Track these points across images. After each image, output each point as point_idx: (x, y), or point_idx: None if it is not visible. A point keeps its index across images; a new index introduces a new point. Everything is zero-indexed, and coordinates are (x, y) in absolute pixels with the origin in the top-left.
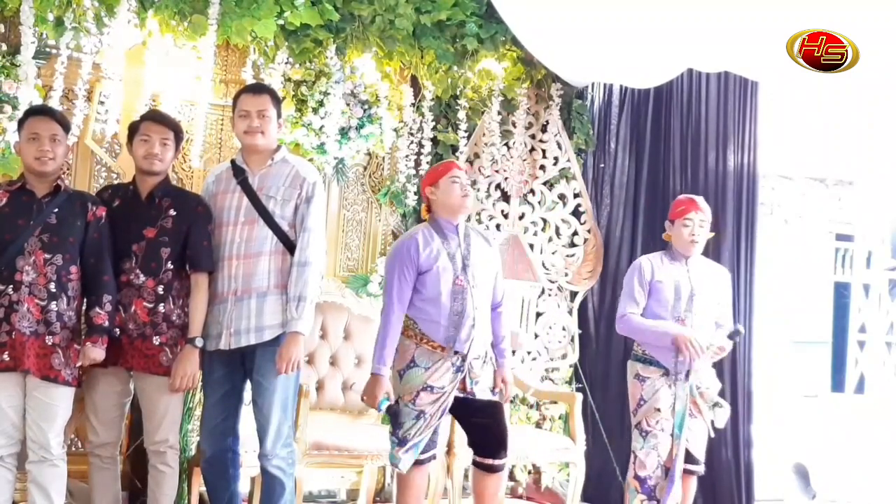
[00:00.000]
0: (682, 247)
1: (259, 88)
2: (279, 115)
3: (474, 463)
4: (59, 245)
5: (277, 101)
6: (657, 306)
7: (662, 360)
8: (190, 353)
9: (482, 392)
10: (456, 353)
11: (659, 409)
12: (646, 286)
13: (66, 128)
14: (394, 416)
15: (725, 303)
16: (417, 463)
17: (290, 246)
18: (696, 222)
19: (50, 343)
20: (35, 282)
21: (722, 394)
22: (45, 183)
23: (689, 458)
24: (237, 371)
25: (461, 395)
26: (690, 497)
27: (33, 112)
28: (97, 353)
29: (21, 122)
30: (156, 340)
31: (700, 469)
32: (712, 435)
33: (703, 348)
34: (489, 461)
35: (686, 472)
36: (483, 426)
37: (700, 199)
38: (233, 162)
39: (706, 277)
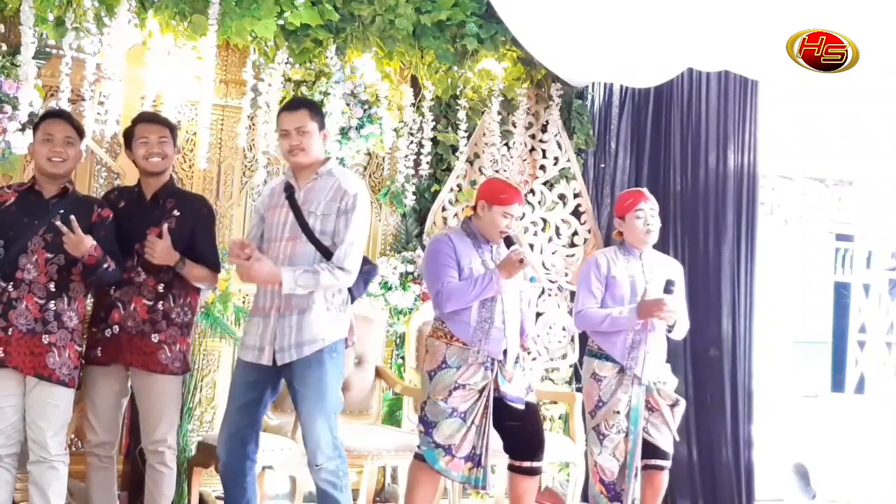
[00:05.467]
0: (637, 239)
1: (295, 105)
2: (322, 127)
3: (510, 467)
4: (62, 245)
5: (317, 113)
6: (612, 302)
7: (615, 355)
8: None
9: (515, 391)
10: (487, 355)
11: (618, 412)
12: (603, 280)
13: (81, 132)
14: (423, 417)
15: (680, 296)
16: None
17: None
18: (648, 212)
19: (46, 342)
20: (35, 280)
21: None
22: (55, 184)
23: (657, 452)
24: (269, 382)
25: (495, 395)
26: (662, 492)
27: (50, 115)
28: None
29: (37, 125)
30: (154, 338)
31: (668, 463)
32: (677, 439)
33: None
34: (526, 464)
35: (654, 467)
36: (518, 429)
37: (646, 190)
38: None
39: (660, 271)
